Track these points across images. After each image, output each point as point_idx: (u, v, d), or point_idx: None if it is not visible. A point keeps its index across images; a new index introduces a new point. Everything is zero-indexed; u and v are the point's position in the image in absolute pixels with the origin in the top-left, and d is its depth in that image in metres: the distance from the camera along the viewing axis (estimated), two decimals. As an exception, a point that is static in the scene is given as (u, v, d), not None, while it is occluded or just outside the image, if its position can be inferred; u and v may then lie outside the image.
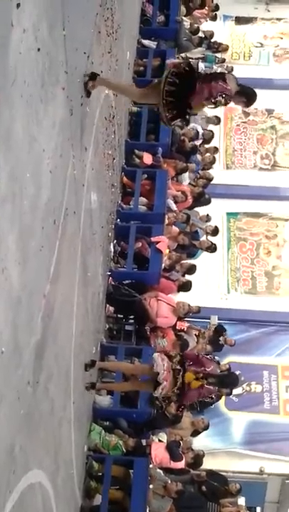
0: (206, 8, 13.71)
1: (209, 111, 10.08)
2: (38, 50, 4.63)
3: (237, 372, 11.47)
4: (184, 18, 12.89)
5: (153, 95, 6.82)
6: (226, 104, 6.81)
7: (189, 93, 6.58)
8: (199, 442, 9.93)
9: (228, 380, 8.19)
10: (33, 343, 4.97)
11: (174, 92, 6.54)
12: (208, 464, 9.76)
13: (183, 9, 12.85)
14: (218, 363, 10.84)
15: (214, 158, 12.47)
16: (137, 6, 11.68)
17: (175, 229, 10.28)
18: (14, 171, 4.26)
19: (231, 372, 10.07)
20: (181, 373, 7.24)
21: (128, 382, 8.12)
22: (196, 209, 11.49)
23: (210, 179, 11.93)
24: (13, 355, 4.48)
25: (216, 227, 11.48)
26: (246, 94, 6.80)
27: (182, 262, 10.43)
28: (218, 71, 7.11)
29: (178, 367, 7.27)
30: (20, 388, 4.66)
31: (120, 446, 8.15)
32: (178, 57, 12.06)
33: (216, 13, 14.06)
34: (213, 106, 6.89)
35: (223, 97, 6.62)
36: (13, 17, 3.99)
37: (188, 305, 9.75)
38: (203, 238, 11.27)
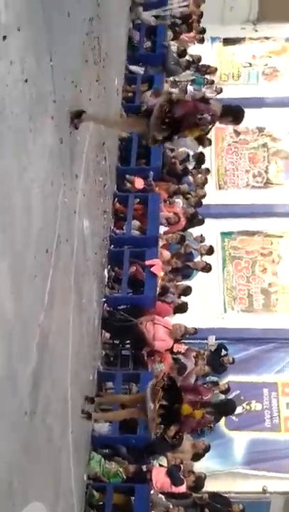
0: (193, 31, 13.82)
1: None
2: (26, 81, 4.67)
3: (237, 392, 11.52)
4: (171, 42, 12.99)
5: (139, 125, 6.87)
6: (212, 122, 6.82)
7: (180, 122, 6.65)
8: (200, 464, 9.85)
9: (225, 409, 8.17)
10: (29, 372, 4.96)
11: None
12: (210, 485, 9.69)
13: (170, 33, 12.96)
14: (217, 383, 10.84)
15: (206, 179, 12.51)
16: (123, 33, 11.76)
17: (167, 253, 10.28)
18: (5, 201, 4.28)
19: (229, 400, 10.05)
20: (165, 399, 7.20)
21: (124, 411, 8.07)
22: (189, 230, 11.50)
23: (203, 196, 11.95)
24: (9, 385, 4.47)
25: (210, 246, 11.49)
26: (232, 112, 6.84)
27: (177, 283, 10.43)
28: (208, 93, 7.16)
29: (160, 393, 7.22)
30: (17, 419, 4.65)
31: (121, 473, 8.09)
32: (166, 82, 12.21)
33: (203, 36, 14.17)
34: (202, 130, 6.93)
35: (209, 116, 6.66)
36: (0, 49, 4.04)
37: (185, 327, 9.74)
38: (198, 259, 11.28)
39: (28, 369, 4.93)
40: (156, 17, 12.81)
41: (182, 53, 12.72)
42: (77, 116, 6.57)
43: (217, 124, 7.12)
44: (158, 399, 7.12)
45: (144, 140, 6.93)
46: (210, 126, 6.96)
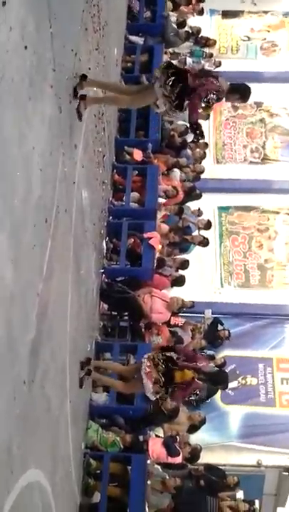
0: (192, 3, 13.70)
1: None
2: (25, 48, 4.62)
3: (232, 366, 11.58)
4: (171, 13, 12.87)
5: (147, 97, 6.80)
6: (218, 100, 6.80)
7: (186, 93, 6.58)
8: (196, 437, 9.93)
9: (217, 378, 8.22)
10: (28, 341, 4.96)
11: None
12: (206, 458, 9.77)
13: (169, 4, 12.84)
14: (213, 357, 10.90)
15: (204, 153, 12.47)
16: (123, 2, 11.65)
17: (165, 227, 10.28)
18: (4, 169, 4.25)
19: (221, 370, 10.11)
20: (167, 370, 7.23)
21: (122, 384, 8.10)
22: (187, 204, 11.49)
23: (201, 172, 11.93)
24: (8, 354, 4.48)
25: (208, 221, 11.49)
26: (239, 89, 6.80)
27: (175, 257, 10.44)
28: (207, 66, 7.08)
29: (162, 365, 7.25)
30: (16, 387, 4.66)
31: (118, 443, 8.16)
32: (166, 53, 12.11)
33: (203, 6, 14.04)
34: (206, 106, 6.88)
35: (214, 94, 6.61)
36: (-1, 15, 3.99)
37: (182, 300, 9.76)
38: (195, 233, 11.28)
39: (27, 338, 4.94)
40: (156, -14, 12.70)
41: (181, 24, 12.61)
42: (82, 98, 6.54)
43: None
44: (158, 370, 7.16)
45: (153, 107, 6.82)
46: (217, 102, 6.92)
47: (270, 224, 13.64)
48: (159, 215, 10.11)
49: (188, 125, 11.56)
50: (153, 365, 7.23)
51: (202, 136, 9.92)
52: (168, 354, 7.41)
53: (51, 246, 5.55)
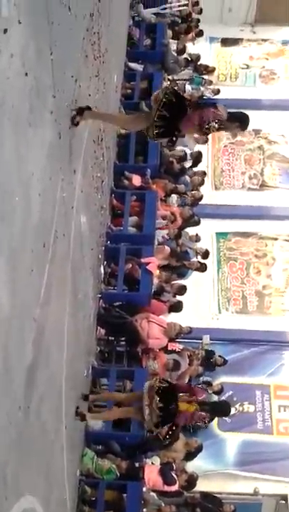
0: (192, 31, 13.85)
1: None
2: (26, 74, 4.66)
3: (229, 393, 11.51)
4: (171, 40, 13.00)
5: (141, 121, 6.84)
6: (218, 129, 6.83)
7: (180, 118, 6.60)
8: (193, 464, 9.86)
9: (220, 409, 8.18)
10: (24, 366, 4.94)
11: (165, 116, 6.56)
12: (202, 485, 9.69)
13: (169, 32, 12.97)
14: (210, 383, 10.85)
15: (203, 180, 12.54)
16: (123, 30, 11.78)
17: (167, 249, 10.32)
18: (3, 193, 4.27)
19: (224, 401, 10.05)
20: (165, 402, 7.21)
21: (119, 410, 8.06)
22: (185, 230, 11.51)
23: (199, 199, 11.99)
24: (4, 379, 4.45)
25: (206, 250, 11.54)
26: (238, 118, 6.81)
27: (173, 282, 10.43)
28: (206, 93, 7.14)
29: (156, 397, 7.23)
30: (11, 413, 4.62)
31: (114, 470, 8.09)
32: (165, 80, 12.21)
33: (201, 28, 14.19)
34: (205, 134, 6.92)
35: (216, 122, 6.64)
36: (0, 42, 4.02)
37: (180, 326, 9.74)
38: (193, 259, 11.29)
39: (23, 363, 4.92)
40: (156, 15, 12.83)
41: (182, 50, 12.73)
42: (80, 113, 6.56)
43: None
44: (154, 402, 7.12)
45: (146, 133, 6.85)
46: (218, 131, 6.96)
47: (268, 250, 13.66)
48: (161, 238, 10.15)
49: (185, 150, 11.67)
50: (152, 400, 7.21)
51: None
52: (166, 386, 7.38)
53: (49, 271, 5.55)
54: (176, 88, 6.81)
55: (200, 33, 14.30)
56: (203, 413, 7.35)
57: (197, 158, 12.43)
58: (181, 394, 7.31)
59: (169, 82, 12.32)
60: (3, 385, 4.44)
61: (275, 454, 11.40)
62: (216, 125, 6.65)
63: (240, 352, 12.27)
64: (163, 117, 6.56)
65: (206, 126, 6.65)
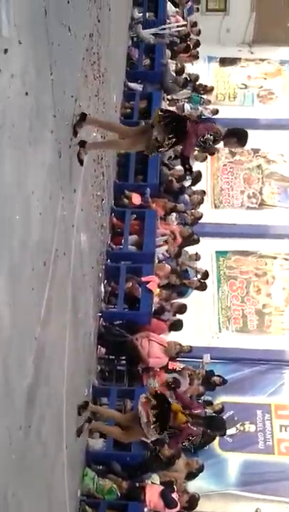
0: (190, 49, 13.96)
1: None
2: (26, 94, 4.68)
3: (230, 412, 11.45)
4: (170, 60, 13.09)
5: (142, 141, 6.87)
6: (215, 141, 6.83)
7: (182, 138, 6.64)
8: (194, 484, 9.78)
9: (214, 424, 8.13)
10: (25, 386, 4.92)
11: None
12: (204, 506, 9.60)
13: (168, 52, 13.06)
14: (211, 403, 10.79)
15: (202, 198, 12.57)
16: (122, 50, 11.87)
17: (167, 266, 10.32)
18: (3, 212, 4.27)
19: (218, 416, 10.00)
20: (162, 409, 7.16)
21: (121, 433, 8.00)
22: (185, 248, 11.53)
23: (199, 218, 12.02)
24: (5, 399, 4.43)
25: (206, 271, 11.55)
26: (236, 133, 6.85)
27: (173, 301, 10.42)
28: (204, 113, 7.18)
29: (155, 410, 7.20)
30: (12, 433, 4.59)
31: (115, 490, 8.03)
32: (164, 99, 12.29)
33: (198, 50, 14.30)
34: (203, 148, 6.94)
35: (211, 135, 6.66)
36: (1, 62, 4.05)
37: (180, 344, 9.72)
38: (193, 277, 11.29)
39: (23, 382, 4.90)
40: (155, 35, 12.93)
41: (180, 71, 12.81)
42: (81, 145, 6.61)
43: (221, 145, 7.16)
44: (150, 406, 7.08)
45: (146, 150, 6.89)
46: (215, 146, 6.98)
47: (267, 269, 13.67)
48: (161, 255, 10.16)
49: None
50: (148, 403, 7.15)
51: (191, 171, 9.93)
52: (163, 393, 7.33)
53: (49, 289, 5.54)
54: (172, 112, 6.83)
55: (196, 56, 14.42)
56: (194, 428, 7.31)
57: (196, 177, 12.48)
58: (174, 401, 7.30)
59: (168, 102, 12.43)
60: (4, 405, 4.42)
61: (276, 474, 11.32)
62: (211, 137, 6.67)
63: (241, 371, 12.22)
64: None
65: (202, 140, 6.68)
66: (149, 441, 7.38)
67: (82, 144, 6.71)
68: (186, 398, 7.65)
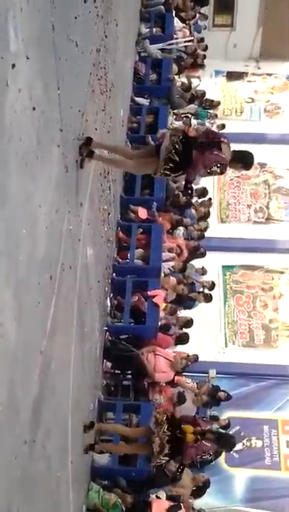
0: (198, 64, 14.03)
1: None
2: (34, 108, 4.70)
3: (237, 428, 11.39)
4: (176, 76, 13.14)
5: (148, 165, 6.87)
6: (221, 173, 6.85)
7: (186, 165, 6.63)
8: (200, 500, 9.72)
9: (224, 440, 8.10)
10: (30, 400, 4.90)
11: (175, 161, 6.60)
12: (210, 522, 9.54)
13: (175, 68, 13.11)
14: (217, 418, 10.73)
15: (208, 211, 12.56)
16: (129, 65, 11.92)
17: (173, 279, 10.30)
18: (10, 226, 4.28)
19: (228, 433, 9.94)
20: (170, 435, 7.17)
21: (126, 445, 8.02)
22: (191, 262, 11.51)
23: (205, 229, 12.00)
24: (10, 413, 4.42)
25: (212, 282, 11.51)
26: (242, 158, 6.80)
27: (179, 316, 10.40)
28: (213, 133, 7.12)
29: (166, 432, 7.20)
30: (17, 447, 4.58)
31: (120, 505, 7.99)
32: (171, 114, 12.32)
33: (205, 60, 14.37)
34: (209, 175, 6.95)
35: (218, 167, 6.65)
36: (9, 77, 4.07)
37: (186, 358, 9.66)
38: (199, 290, 11.27)
39: (29, 396, 4.88)
40: (162, 50, 12.99)
41: (188, 88, 12.87)
42: (88, 155, 6.60)
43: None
44: (162, 430, 7.09)
45: (154, 175, 6.92)
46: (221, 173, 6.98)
47: (274, 283, 13.64)
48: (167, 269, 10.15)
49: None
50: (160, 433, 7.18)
51: (191, 195, 9.93)
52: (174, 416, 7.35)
53: (55, 303, 5.54)
54: (183, 134, 6.81)
55: (202, 65, 14.48)
56: (208, 444, 7.30)
57: (202, 194, 12.50)
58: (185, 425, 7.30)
59: (174, 117, 12.45)
60: (9, 419, 4.41)
61: (283, 491, 11.23)
62: (218, 170, 6.66)
63: (247, 386, 12.17)
64: (173, 161, 6.59)
65: (208, 171, 6.69)
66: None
67: (90, 154, 6.68)
68: (192, 418, 7.64)
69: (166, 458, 7.24)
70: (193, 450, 7.34)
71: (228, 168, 6.81)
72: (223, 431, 10.13)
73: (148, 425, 7.46)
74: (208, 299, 11.06)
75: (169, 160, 6.57)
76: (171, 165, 6.58)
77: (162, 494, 8.72)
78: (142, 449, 7.76)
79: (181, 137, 6.64)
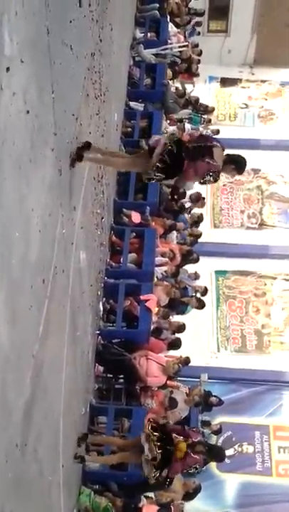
0: (193, 70, 14.06)
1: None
2: (28, 112, 4.70)
3: (228, 433, 11.41)
4: (170, 81, 13.17)
5: (139, 164, 6.88)
6: (215, 181, 6.85)
7: (178, 169, 6.64)
8: (191, 505, 9.71)
9: (214, 452, 8.13)
10: (22, 403, 4.90)
11: (166, 162, 6.60)
12: (201, 527, 9.54)
13: (169, 72, 13.14)
14: (209, 423, 10.74)
15: (201, 215, 12.56)
16: (124, 69, 11.94)
17: (166, 283, 10.31)
18: (3, 229, 4.28)
19: (217, 446, 9.95)
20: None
21: (117, 455, 8.02)
22: (184, 267, 11.52)
23: (198, 236, 12.01)
24: (1, 416, 4.41)
25: (205, 287, 11.52)
26: (234, 161, 6.80)
27: (171, 320, 10.39)
28: (205, 138, 7.12)
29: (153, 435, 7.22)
30: (8, 451, 4.57)
31: (110, 509, 7.98)
32: (165, 119, 12.34)
33: (198, 66, 14.41)
34: (202, 183, 6.96)
35: (210, 175, 6.66)
36: (3, 80, 4.07)
37: (178, 363, 9.66)
38: (192, 295, 11.26)
39: (20, 400, 4.88)
40: (156, 55, 13.02)
41: (182, 94, 12.90)
42: (78, 159, 6.59)
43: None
44: (152, 441, 7.11)
45: (143, 176, 6.93)
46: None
47: (267, 289, 13.68)
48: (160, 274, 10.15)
49: (184, 188, 11.73)
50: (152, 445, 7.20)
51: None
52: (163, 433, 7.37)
53: (48, 307, 5.54)
54: (177, 138, 6.82)
55: (196, 74, 14.52)
56: (196, 456, 7.32)
57: (197, 199, 12.50)
58: (176, 436, 7.32)
59: (168, 121, 12.46)
60: (1, 422, 4.40)
61: (274, 497, 11.26)
62: (212, 178, 6.67)
63: (239, 391, 12.20)
64: (164, 163, 6.60)
65: (202, 181, 6.71)
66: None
67: (80, 158, 6.66)
68: (181, 430, 7.65)
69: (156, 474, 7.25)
70: (179, 465, 7.36)
71: (220, 175, 6.82)
72: (213, 442, 10.12)
73: (138, 436, 7.49)
74: (200, 305, 11.06)
75: (160, 161, 6.58)
76: (162, 165, 6.59)
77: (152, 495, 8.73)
78: (132, 459, 7.78)
79: (175, 139, 6.66)
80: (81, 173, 7.03)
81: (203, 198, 12.91)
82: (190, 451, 7.32)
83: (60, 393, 6.35)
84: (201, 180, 6.74)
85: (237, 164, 6.82)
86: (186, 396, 9.77)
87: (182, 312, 10.95)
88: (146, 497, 8.61)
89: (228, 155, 6.77)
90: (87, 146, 6.64)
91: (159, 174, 6.68)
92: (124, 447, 8.00)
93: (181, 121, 12.60)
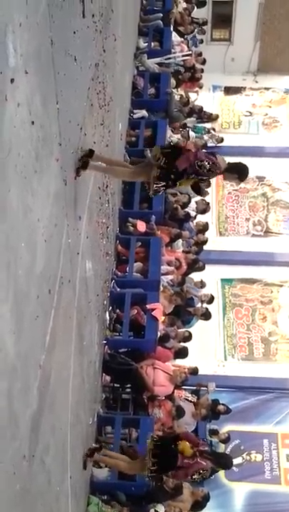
0: (196, 78, 14.10)
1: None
2: (32, 123, 4.71)
3: (236, 441, 11.35)
4: (174, 90, 13.20)
5: (143, 174, 6.89)
6: (209, 170, 6.76)
7: (177, 158, 6.64)
8: (200, 515, 9.67)
9: (222, 461, 8.11)
10: (29, 414, 4.88)
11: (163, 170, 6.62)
12: (210, 537, 9.48)
13: (173, 81, 13.18)
14: (217, 432, 10.69)
15: (206, 223, 12.57)
16: (127, 79, 11.97)
17: (171, 292, 10.30)
18: (9, 240, 4.28)
19: (225, 454, 9.91)
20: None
21: (123, 464, 8.00)
22: (190, 276, 11.51)
23: (204, 242, 12.00)
24: (9, 427, 4.40)
25: (211, 295, 11.50)
26: (236, 169, 6.79)
27: (178, 330, 10.38)
28: (209, 143, 7.16)
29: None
30: (16, 462, 4.56)
31: (118, 519, 7.97)
32: (169, 128, 12.36)
33: (202, 75, 14.44)
34: (200, 179, 6.92)
35: (208, 164, 6.64)
36: (7, 92, 4.08)
37: (185, 372, 9.64)
38: (198, 305, 11.26)
39: (28, 411, 4.86)
40: (160, 65, 13.06)
41: (185, 104, 12.92)
42: (83, 167, 6.60)
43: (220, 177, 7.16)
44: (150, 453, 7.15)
45: (147, 186, 6.94)
46: (209, 177, 6.95)
47: (273, 296, 13.64)
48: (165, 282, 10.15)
49: (190, 195, 11.73)
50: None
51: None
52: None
53: (54, 317, 5.53)
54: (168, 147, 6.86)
55: (200, 84, 14.55)
56: (203, 462, 7.29)
57: (204, 211, 12.51)
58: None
59: (173, 130, 12.49)
60: (8, 434, 4.39)
61: (283, 505, 11.18)
62: (208, 165, 6.61)
63: (247, 400, 12.14)
64: (162, 167, 6.62)
65: (198, 164, 6.62)
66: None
67: (85, 165, 6.67)
68: (191, 436, 7.63)
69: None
70: (182, 472, 7.35)
71: (220, 173, 6.80)
72: (224, 445, 10.08)
73: (143, 456, 7.54)
74: (206, 317, 11.04)
75: (159, 167, 6.60)
76: (161, 171, 6.60)
77: (161, 508, 8.68)
78: (137, 470, 7.79)
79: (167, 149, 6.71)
80: (86, 182, 7.04)
81: (208, 203, 12.91)
82: (198, 455, 7.30)
83: (67, 403, 6.33)
84: (198, 163, 6.65)
85: (240, 172, 6.81)
86: (194, 406, 9.75)
87: (188, 323, 10.93)
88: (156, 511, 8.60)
89: (230, 163, 6.76)
90: (90, 154, 6.65)
91: (160, 182, 6.69)
92: (131, 471, 8.06)
93: (185, 126, 12.62)
